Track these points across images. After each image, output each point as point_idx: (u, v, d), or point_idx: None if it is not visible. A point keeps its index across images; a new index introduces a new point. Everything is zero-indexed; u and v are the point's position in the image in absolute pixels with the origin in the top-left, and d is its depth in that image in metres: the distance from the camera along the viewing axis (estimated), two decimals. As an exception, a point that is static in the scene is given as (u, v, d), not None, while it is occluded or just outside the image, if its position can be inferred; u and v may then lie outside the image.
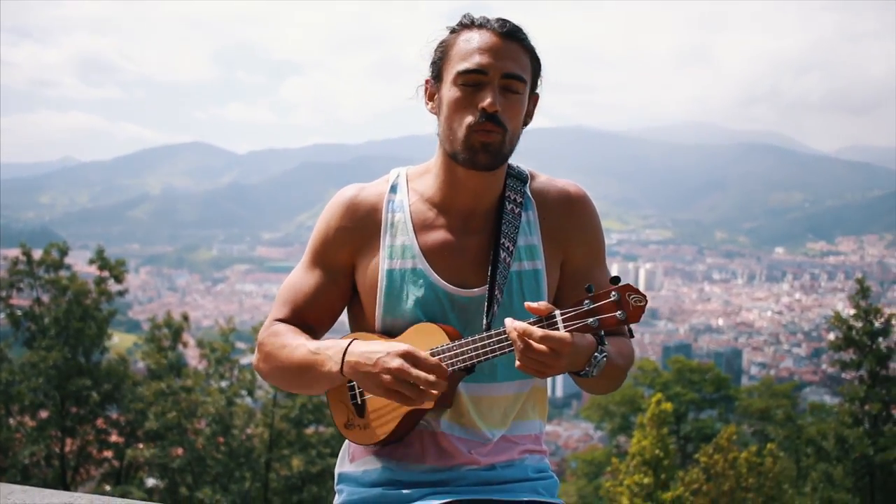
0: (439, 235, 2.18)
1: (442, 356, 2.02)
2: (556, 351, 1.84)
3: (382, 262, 2.17)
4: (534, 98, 2.19)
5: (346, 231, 2.22)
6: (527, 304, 1.92)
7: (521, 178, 2.27)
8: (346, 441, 2.32)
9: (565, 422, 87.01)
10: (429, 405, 1.98)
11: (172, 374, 22.60)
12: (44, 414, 22.43)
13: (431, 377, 1.91)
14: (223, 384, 22.82)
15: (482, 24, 2.10)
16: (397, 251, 2.17)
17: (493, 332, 1.99)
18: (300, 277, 2.27)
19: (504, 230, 2.15)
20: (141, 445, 22.10)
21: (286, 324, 2.23)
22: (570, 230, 2.24)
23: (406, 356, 1.94)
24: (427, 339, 2.07)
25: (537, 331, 1.85)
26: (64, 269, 23.15)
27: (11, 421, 22.58)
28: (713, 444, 18.28)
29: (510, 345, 1.94)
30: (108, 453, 22.73)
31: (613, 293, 1.86)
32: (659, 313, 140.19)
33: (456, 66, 2.06)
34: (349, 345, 2.05)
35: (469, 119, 2.04)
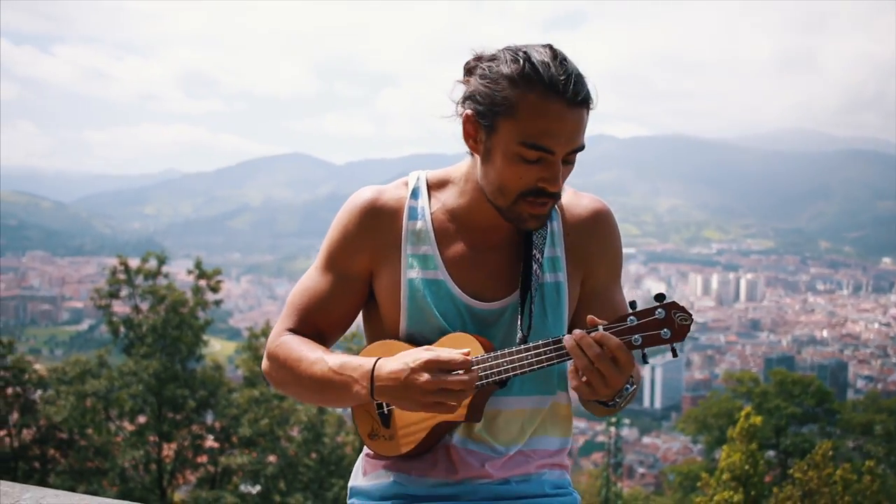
0: (460, 248, 2.10)
1: (477, 367, 1.95)
2: (623, 367, 1.81)
3: (404, 271, 2.09)
4: None
5: (365, 236, 2.13)
6: (590, 317, 1.85)
7: None
8: (361, 456, 2.27)
9: (664, 434, 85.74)
10: (462, 412, 1.96)
11: (267, 381, 22.87)
12: (142, 419, 22.96)
13: (465, 378, 1.85)
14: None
15: (552, 87, 1.86)
16: (419, 260, 2.09)
17: (531, 344, 1.92)
18: (314, 282, 2.17)
19: (535, 242, 2.08)
20: (235, 452, 22.43)
21: (298, 332, 2.15)
22: (594, 247, 2.17)
23: (431, 366, 1.86)
24: (461, 350, 1.99)
25: (624, 348, 1.80)
26: (162, 278, 23.69)
27: (112, 426, 23.20)
28: (808, 460, 17.74)
29: (549, 359, 1.89)
30: (203, 458, 23.15)
31: (659, 310, 1.82)
32: (761, 324, 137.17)
33: (521, 133, 1.88)
34: (374, 367, 1.95)
35: (522, 190, 1.94)
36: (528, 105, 1.87)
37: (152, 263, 23.58)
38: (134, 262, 23.69)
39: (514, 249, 2.11)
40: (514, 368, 1.92)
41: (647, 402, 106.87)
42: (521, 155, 1.90)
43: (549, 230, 2.13)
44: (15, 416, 22.97)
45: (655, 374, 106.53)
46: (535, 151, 1.88)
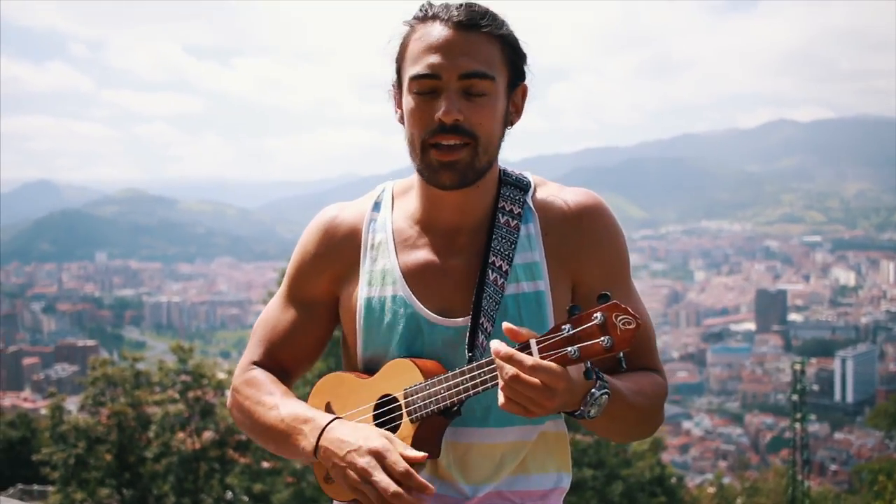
0: (422, 256, 1.90)
1: (414, 397, 1.77)
2: (548, 387, 1.54)
3: (361, 290, 1.90)
4: (521, 90, 1.86)
5: (322, 257, 1.96)
6: (505, 325, 1.60)
7: (520, 186, 1.95)
8: None
9: (857, 429, 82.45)
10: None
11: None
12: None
13: (394, 488, 1.63)
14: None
15: (436, 16, 1.78)
16: (377, 277, 1.90)
17: (466, 367, 1.70)
18: (276, 312, 2.02)
19: (495, 247, 1.85)
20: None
21: (262, 369, 1.98)
22: (580, 246, 1.89)
23: (376, 455, 1.67)
24: (401, 378, 1.80)
25: (527, 358, 1.55)
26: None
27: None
28: None
29: (487, 381, 1.66)
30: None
31: (597, 315, 1.54)
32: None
33: (408, 71, 1.79)
34: (327, 425, 1.78)
35: (423, 131, 1.77)
36: (412, 39, 1.80)
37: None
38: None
39: (481, 255, 1.87)
40: (451, 395, 1.71)
41: (837, 397, 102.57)
42: (415, 90, 1.77)
43: (523, 233, 1.88)
44: (196, 418, 23.86)
45: (847, 366, 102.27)
46: (424, 81, 1.75)
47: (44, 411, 29.94)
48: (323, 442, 1.75)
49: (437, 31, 1.76)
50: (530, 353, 1.58)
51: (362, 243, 1.94)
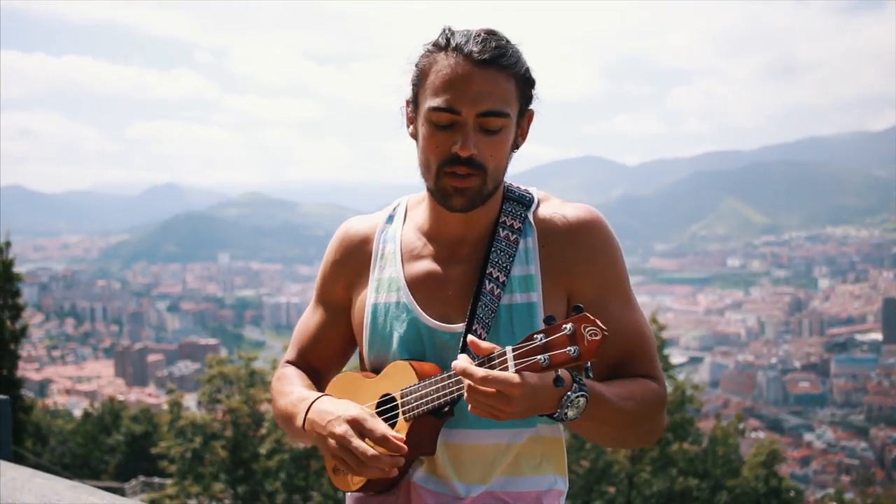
0: (425, 266, 2.01)
1: (409, 397, 1.87)
2: (503, 394, 1.61)
3: (369, 296, 2.04)
4: (528, 116, 1.94)
5: (339, 264, 2.13)
6: (470, 338, 1.71)
7: (522, 202, 2.02)
8: None
9: None
10: (376, 474, 1.80)
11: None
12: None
13: (371, 451, 1.75)
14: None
15: (458, 48, 1.83)
16: (384, 284, 2.03)
17: (452, 371, 1.76)
18: (307, 317, 2.22)
19: (493, 259, 1.93)
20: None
21: (294, 367, 2.19)
22: (575, 259, 1.95)
23: (353, 423, 1.80)
24: (399, 379, 1.92)
25: (478, 371, 1.63)
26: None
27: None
28: None
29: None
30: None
31: (567, 325, 1.59)
32: None
33: (430, 97, 1.84)
34: (315, 400, 1.95)
35: (440, 160, 1.85)
36: (434, 68, 1.85)
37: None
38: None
39: (480, 266, 1.96)
40: (439, 397, 1.81)
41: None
42: (433, 121, 1.84)
43: (522, 247, 1.96)
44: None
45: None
46: (443, 114, 1.82)
47: (165, 407, 30.94)
48: (310, 414, 1.91)
49: (458, 67, 1.81)
50: (505, 361, 1.64)
51: (373, 252, 2.07)
